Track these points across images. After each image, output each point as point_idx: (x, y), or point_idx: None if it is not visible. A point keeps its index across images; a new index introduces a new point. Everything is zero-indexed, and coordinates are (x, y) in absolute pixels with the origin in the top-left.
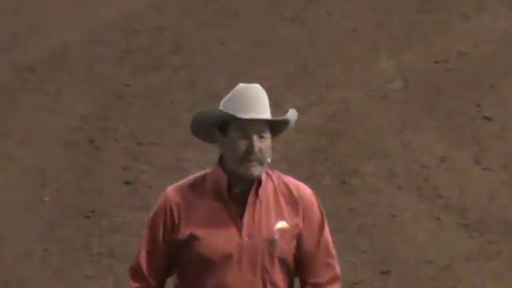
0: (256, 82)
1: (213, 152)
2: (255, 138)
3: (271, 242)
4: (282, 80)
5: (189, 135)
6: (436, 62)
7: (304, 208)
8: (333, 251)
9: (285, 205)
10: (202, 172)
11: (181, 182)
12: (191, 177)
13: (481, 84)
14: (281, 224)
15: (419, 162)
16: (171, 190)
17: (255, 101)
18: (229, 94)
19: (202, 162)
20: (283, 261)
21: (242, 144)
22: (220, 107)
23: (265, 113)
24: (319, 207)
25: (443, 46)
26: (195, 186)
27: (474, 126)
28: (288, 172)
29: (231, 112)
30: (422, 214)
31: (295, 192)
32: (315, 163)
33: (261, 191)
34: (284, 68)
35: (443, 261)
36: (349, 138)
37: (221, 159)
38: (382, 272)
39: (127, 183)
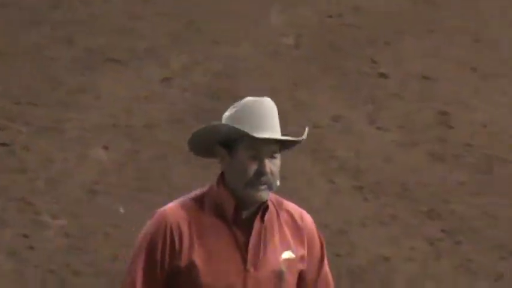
0: (140, 39)
1: (93, 114)
2: (267, 159)
3: (279, 275)
4: (167, 36)
5: (69, 95)
6: (330, 17)
7: (308, 238)
8: (332, 286)
9: (289, 233)
10: (199, 191)
11: (178, 201)
12: (188, 196)
13: (377, 41)
14: (287, 254)
15: (312, 122)
16: (169, 210)
17: (266, 117)
18: (235, 108)
19: (83, 123)
20: None
21: (252, 166)
22: (225, 122)
23: (279, 131)
24: (319, 237)
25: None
26: (195, 207)
27: (369, 84)
28: (172, 132)
29: (242, 129)
30: (316, 177)
31: (298, 220)
32: (200, 123)
33: (266, 216)
34: (168, 24)
35: (338, 226)
36: (237, 98)
37: (221, 176)
38: None
39: (3, 144)
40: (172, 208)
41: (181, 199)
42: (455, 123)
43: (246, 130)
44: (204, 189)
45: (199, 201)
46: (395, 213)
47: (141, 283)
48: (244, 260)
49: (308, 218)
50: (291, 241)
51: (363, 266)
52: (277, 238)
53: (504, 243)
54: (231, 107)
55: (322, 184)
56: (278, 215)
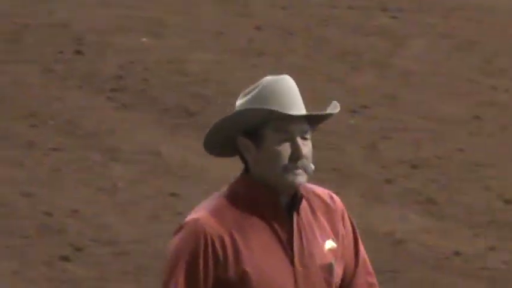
0: None
1: None
2: (299, 140)
3: (328, 268)
4: None
5: None
6: None
7: (343, 219)
8: (371, 268)
9: (325, 220)
10: (224, 191)
11: (208, 207)
12: (216, 199)
13: None
14: (329, 244)
15: None
16: (204, 219)
17: (291, 96)
18: (254, 91)
19: None
20: None
21: (285, 150)
22: (247, 106)
23: (305, 110)
24: (349, 217)
25: None
26: (229, 209)
27: None
28: None
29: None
30: None
31: (330, 203)
32: None
33: (301, 207)
34: None
35: None
36: None
37: (246, 171)
38: None
39: None
40: (206, 216)
41: (210, 203)
42: None
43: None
44: (228, 188)
45: (230, 202)
46: None
47: None
48: (291, 260)
49: (337, 198)
50: (328, 228)
51: None
52: (315, 228)
53: (35, 111)
54: (244, 93)
55: None
56: (309, 202)
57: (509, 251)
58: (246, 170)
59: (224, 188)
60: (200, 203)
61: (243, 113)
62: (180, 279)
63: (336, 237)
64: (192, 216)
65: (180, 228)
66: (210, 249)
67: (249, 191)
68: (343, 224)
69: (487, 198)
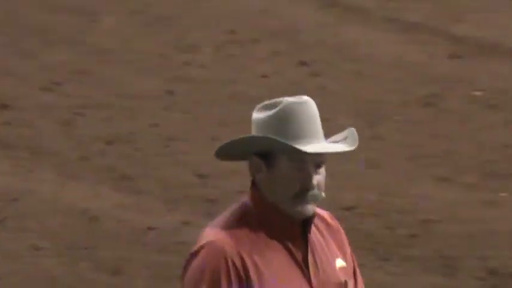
0: None
1: None
2: (313, 171)
3: (342, 287)
4: None
5: None
6: None
7: (344, 241)
8: None
9: (332, 240)
10: (233, 211)
11: (222, 228)
12: (227, 219)
13: None
14: (339, 263)
15: None
16: (222, 241)
17: (310, 123)
18: (271, 111)
19: None
20: None
21: (298, 179)
22: (261, 128)
23: (323, 136)
24: (347, 238)
25: None
26: (244, 230)
27: None
28: None
29: (287, 140)
30: None
31: (331, 222)
32: None
33: (312, 227)
34: None
35: None
36: None
37: (255, 189)
38: None
39: None
40: (224, 236)
41: (223, 223)
42: None
43: (290, 140)
44: (241, 206)
45: (243, 222)
46: None
47: None
48: (309, 280)
49: (335, 219)
50: (336, 247)
51: None
52: (325, 247)
53: None
54: (262, 106)
55: None
56: (315, 223)
57: (203, 226)
58: (254, 185)
59: (234, 209)
60: (211, 223)
61: (258, 139)
62: None
63: (344, 256)
64: (208, 237)
65: (199, 250)
66: (232, 269)
67: (263, 211)
68: (346, 245)
69: (181, 173)
